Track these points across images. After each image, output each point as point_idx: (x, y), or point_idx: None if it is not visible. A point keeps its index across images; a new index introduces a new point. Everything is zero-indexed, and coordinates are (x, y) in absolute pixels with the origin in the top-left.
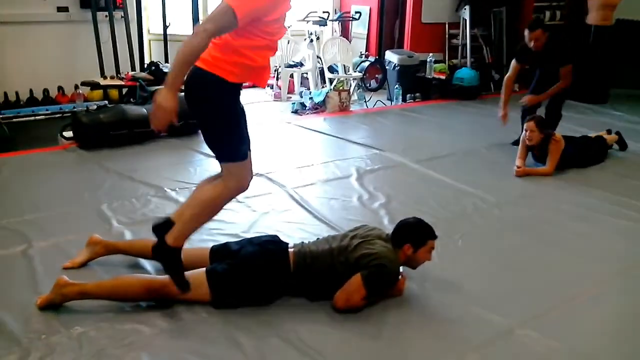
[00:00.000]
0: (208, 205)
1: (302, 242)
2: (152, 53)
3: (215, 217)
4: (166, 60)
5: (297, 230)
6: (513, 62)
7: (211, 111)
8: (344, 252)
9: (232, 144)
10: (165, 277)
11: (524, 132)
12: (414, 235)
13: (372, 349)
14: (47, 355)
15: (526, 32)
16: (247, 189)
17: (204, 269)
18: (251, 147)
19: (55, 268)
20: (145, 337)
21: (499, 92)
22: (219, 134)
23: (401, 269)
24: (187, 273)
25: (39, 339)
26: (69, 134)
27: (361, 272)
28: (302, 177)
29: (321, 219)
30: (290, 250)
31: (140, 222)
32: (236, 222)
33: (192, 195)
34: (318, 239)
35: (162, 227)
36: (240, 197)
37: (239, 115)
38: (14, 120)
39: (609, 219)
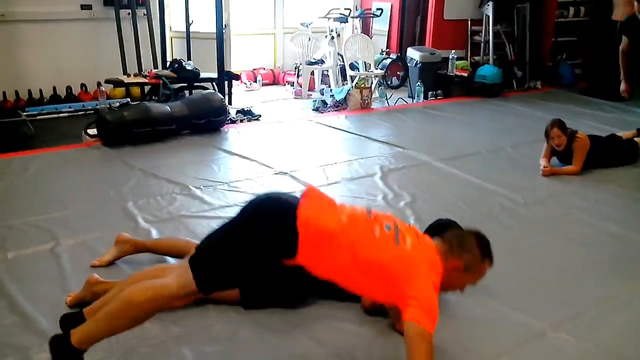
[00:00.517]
0: (132, 307)
1: None
2: (174, 51)
3: None
4: (189, 58)
5: None
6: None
7: None
8: None
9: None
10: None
11: (549, 140)
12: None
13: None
14: None
15: (636, 5)
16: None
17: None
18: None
19: (83, 265)
20: (174, 337)
21: (521, 89)
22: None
23: None
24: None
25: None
26: (93, 131)
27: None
28: (325, 175)
29: None
30: None
31: (166, 220)
32: None
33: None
34: None
35: (71, 320)
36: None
37: None
38: (38, 117)
39: None
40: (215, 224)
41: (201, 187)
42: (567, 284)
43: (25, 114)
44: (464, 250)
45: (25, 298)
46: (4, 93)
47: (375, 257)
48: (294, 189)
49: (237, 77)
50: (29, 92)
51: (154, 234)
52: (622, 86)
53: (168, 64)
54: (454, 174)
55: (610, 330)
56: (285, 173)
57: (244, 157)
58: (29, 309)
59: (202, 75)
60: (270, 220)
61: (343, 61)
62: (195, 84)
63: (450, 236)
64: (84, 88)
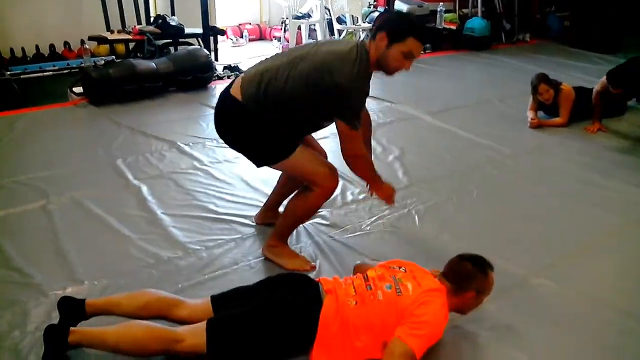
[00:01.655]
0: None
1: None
2: (158, 6)
3: None
4: (172, 13)
5: None
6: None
7: None
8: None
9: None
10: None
11: (536, 95)
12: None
13: None
14: None
15: None
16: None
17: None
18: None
19: (74, 222)
20: None
21: (510, 42)
22: None
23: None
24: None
25: (63, 290)
26: (78, 89)
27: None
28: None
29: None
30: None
31: (156, 176)
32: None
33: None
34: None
35: (71, 305)
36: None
37: None
38: (22, 76)
39: (625, 171)
40: (204, 180)
41: (190, 143)
42: (549, 233)
43: (8, 73)
44: (470, 280)
45: (18, 254)
46: None
47: (388, 318)
48: None
49: (223, 32)
50: (11, 50)
51: (145, 190)
52: (593, 126)
53: (152, 19)
54: (442, 127)
55: (591, 277)
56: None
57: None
58: (23, 265)
59: (187, 30)
60: (297, 321)
61: (330, 15)
62: (180, 39)
63: (451, 274)
64: (67, 46)
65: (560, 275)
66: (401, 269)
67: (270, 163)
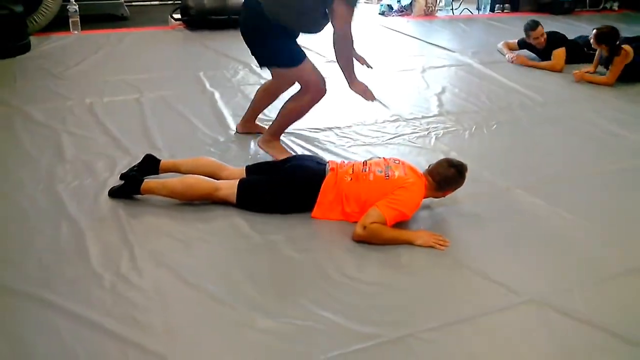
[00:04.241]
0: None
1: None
2: None
3: None
4: None
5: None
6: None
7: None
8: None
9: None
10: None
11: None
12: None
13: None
14: None
15: None
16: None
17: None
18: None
19: (160, 111)
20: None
21: (595, 9)
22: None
23: None
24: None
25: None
26: (177, 16)
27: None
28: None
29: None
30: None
31: (228, 86)
32: None
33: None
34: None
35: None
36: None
37: None
38: (133, 3)
39: None
40: None
41: None
42: (550, 161)
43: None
44: (451, 183)
45: (114, 127)
46: None
47: (373, 194)
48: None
49: None
50: None
51: (217, 95)
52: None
53: None
54: (490, 75)
55: (570, 197)
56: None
57: (304, 47)
58: (117, 134)
59: None
60: (304, 185)
61: None
62: None
63: (436, 175)
64: None
65: (537, 191)
66: (395, 162)
67: (280, 66)
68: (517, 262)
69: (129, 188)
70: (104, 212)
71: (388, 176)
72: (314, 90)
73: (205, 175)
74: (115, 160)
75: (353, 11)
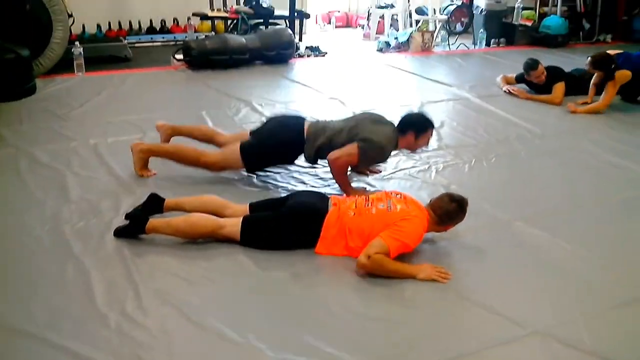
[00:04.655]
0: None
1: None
2: None
3: None
4: None
5: None
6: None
7: None
8: (354, 129)
9: None
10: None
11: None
12: (417, 124)
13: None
14: None
15: None
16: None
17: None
18: None
19: None
20: None
21: (588, 42)
22: None
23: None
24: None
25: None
26: (180, 56)
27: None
28: (368, 101)
29: None
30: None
31: (229, 125)
32: None
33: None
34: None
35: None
36: None
37: None
38: (136, 45)
39: None
40: None
41: (262, 104)
42: (549, 193)
43: (126, 41)
44: (453, 218)
45: (118, 167)
46: (109, 23)
47: (376, 228)
48: (341, 111)
49: (308, 16)
50: (130, 23)
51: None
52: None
53: (245, 1)
54: (487, 108)
55: (583, 230)
56: (336, 99)
57: (304, 85)
58: (121, 174)
59: (277, 13)
60: (307, 220)
61: (409, 6)
62: (270, 20)
63: (438, 209)
64: (176, 22)
65: (539, 222)
66: (397, 196)
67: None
68: (519, 294)
69: (134, 228)
70: (109, 252)
71: (390, 209)
72: (218, 167)
73: (210, 213)
74: (119, 200)
75: (359, 158)
